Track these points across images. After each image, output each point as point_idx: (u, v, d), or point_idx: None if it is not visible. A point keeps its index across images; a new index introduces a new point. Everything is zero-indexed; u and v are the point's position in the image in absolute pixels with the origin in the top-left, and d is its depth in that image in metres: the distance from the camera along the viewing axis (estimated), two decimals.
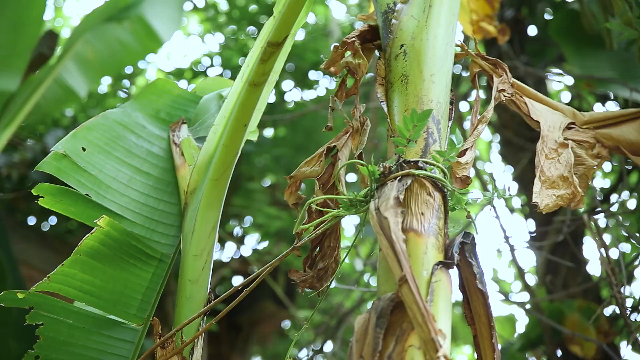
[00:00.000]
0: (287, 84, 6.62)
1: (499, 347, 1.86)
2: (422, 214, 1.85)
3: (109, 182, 2.35)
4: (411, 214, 1.84)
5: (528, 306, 4.07)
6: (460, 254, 1.84)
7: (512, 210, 4.95)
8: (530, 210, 4.73)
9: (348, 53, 2.31)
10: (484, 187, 4.43)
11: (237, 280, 6.06)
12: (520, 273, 4.11)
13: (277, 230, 5.49)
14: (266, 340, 6.28)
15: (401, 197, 1.83)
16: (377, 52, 2.33)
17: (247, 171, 5.74)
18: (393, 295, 1.71)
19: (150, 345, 2.23)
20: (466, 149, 2.03)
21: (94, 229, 2.17)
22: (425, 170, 1.89)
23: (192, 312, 2.21)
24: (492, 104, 2.15)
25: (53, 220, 6.22)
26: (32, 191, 2.15)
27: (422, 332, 1.60)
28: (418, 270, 1.75)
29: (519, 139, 4.75)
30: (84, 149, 2.34)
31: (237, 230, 6.01)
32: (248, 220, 5.92)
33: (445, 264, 1.78)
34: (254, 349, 6.29)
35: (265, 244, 5.89)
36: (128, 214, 2.33)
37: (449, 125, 2.10)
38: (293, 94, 6.59)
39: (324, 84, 6.63)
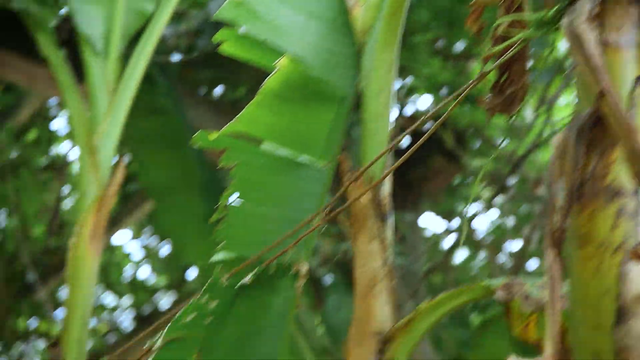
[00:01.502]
0: None
1: None
2: (620, 27, 1.75)
3: (285, 27, 2.34)
4: (607, 28, 1.75)
5: None
6: None
7: None
8: None
9: None
10: None
11: (406, 138, 6.03)
12: None
13: (442, 83, 5.41)
14: (437, 196, 6.30)
15: (595, 10, 1.73)
16: None
17: (408, 26, 5.58)
18: (592, 111, 1.64)
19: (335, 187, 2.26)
20: None
21: (275, 70, 2.18)
22: None
23: (377, 148, 2.22)
24: None
25: (218, 91, 6.37)
26: (214, 38, 2.17)
27: (625, 143, 1.53)
28: (617, 84, 1.67)
29: None
30: None
31: (403, 85, 5.97)
32: (411, 77, 5.86)
33: None
34: (425, 206, 6.34)
35: (431, 97, 5.86)
36: (306, 57, 2.32)
37: None
38: None
39: None
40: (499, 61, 1.94)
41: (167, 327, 1.97)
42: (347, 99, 2.35)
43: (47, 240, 7.03)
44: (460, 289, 2.13)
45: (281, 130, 2.20)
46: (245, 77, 5.66)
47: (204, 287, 2.04)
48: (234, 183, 2.15)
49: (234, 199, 2.14)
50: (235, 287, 2.07)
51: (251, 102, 2.14)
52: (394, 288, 2.22)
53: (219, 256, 2.14)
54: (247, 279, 2.06)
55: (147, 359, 1.99)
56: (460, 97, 1.97)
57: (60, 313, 6.87)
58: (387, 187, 2.25)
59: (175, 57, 5.44)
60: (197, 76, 5.83)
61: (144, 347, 1.99)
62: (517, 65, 2.07)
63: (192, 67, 5.61)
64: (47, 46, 3.68)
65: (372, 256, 2.20)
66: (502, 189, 5.22)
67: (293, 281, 2.21)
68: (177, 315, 1.99)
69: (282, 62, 2.19)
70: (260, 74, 5.03)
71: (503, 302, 2.07)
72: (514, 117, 2.10)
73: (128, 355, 2.11)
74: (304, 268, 2.20)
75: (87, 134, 3.56)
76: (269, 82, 2.17)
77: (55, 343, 3.30)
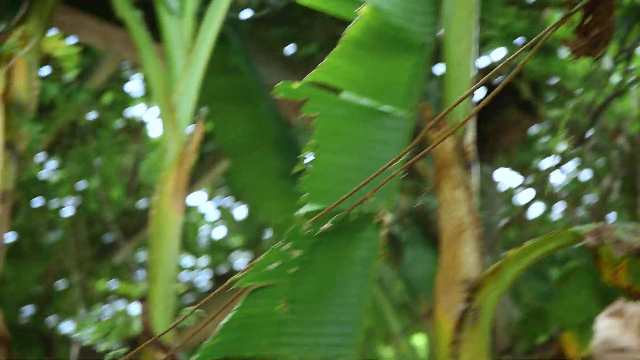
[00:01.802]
0: None
1: None
2: None
3: None
4: None
5: None
6: None
7: None
8: None
9: None
10: None
11: (480, 90, 5.95)
12: None
13: (517, 33, 5.29)
14: (511, 149, 6.21)
15: None
16: None
17: None
18: None
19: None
20: None
21: (356, 19, 2.16)
22: None
23: (459, 94, 2.19)
24: None
25: (290, 48, 6.34)
26: None
27: None
28: None
29: None
30: None
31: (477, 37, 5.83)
32: (486, 28, 5.73)
33: None
34: (500, 159, 6.25)
35: (505, 50, 5.74)
36: (385, 5, 2.30)
37: None
38: None
39: None
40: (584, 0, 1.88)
41: (251, 274, 1.98)
42: (427, 47, 2.32)
43: (125, 202, 7.15)
44: (547, 236, 2.10)
45: (361, 79, 2.19)
46: (317, 34, 5.62)
47: (286, 235, 2.04)
48: (316, 134, 2.13)
49: (315, 150, 2.13)
50: (317, 236, 2.07)
51: (332, 51, 2.12)
52: (480, 236, 2.20)
53: (302, 209, 2.13)
54: (327, 225, 2.03)
55: (233, 308, 2.01)
56: (540, 42, 1.92)
57: (139, 274, 7.00)
58: (470, 135, 2.22)
59: (247, 15, 5.44)
60: (268, 34, 5.82)
61: (233, 295, 2.00)
62: (602, 4, 2.01)
63: (263, 24, 5.61)
64: (123, 7, 3.71)
65: (458, 204, 2.19)
66: (580, 140, 5.10)
67: (376, 231, 2.20)
68: (260, 261, 1.99)
69: (363, 10, 2.16)
70: (332, 30, 4.98)
71: (592, 248, 2.03)
72: (597, 61, 2.05)
73: (206, 311, 2.13)
74: (387, 218, 2.19)
75: (165, 93, 3.59)
76: (351, 31, 2.15)
77: (143, 299, 3.36)
